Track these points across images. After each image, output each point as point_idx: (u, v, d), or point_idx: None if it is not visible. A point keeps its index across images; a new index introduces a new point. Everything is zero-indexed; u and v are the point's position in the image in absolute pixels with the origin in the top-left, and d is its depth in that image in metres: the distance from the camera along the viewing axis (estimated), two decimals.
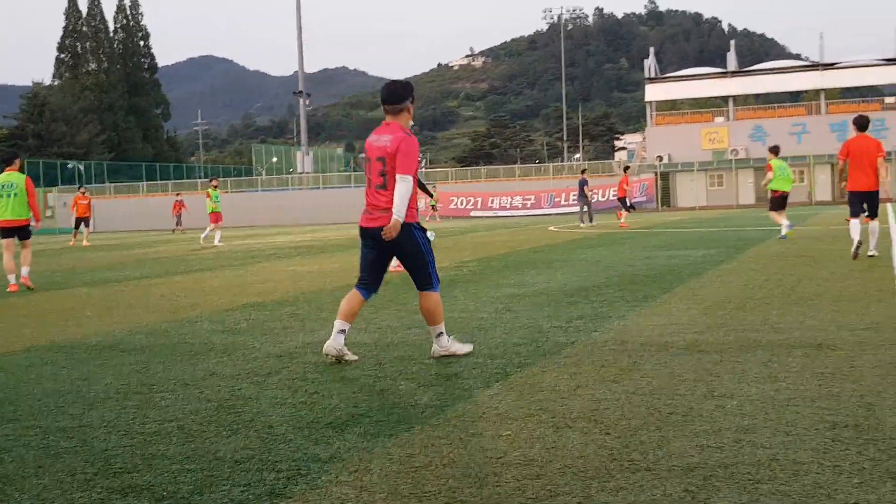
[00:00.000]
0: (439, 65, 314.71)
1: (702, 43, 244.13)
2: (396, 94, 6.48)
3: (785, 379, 5.23)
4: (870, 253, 13.27)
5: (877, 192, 13.59)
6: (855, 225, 13.48)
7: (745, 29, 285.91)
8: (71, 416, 5.01)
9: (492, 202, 63.65)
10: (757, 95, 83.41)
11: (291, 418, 4.75)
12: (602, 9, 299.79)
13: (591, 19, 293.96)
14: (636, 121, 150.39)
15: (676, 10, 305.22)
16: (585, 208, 34.94)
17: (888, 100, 73.73)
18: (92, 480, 3.76)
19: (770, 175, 20.86)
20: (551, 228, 31.48)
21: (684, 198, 66.96)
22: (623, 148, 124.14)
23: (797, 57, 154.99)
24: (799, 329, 7.02)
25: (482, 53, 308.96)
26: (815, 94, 71.35)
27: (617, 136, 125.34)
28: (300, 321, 8.79)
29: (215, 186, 29.95)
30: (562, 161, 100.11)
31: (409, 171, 6.27)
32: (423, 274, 6.48)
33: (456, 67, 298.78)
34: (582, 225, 33.50)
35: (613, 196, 63.82)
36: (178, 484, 3.67)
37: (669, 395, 4.94)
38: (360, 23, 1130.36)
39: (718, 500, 3.26)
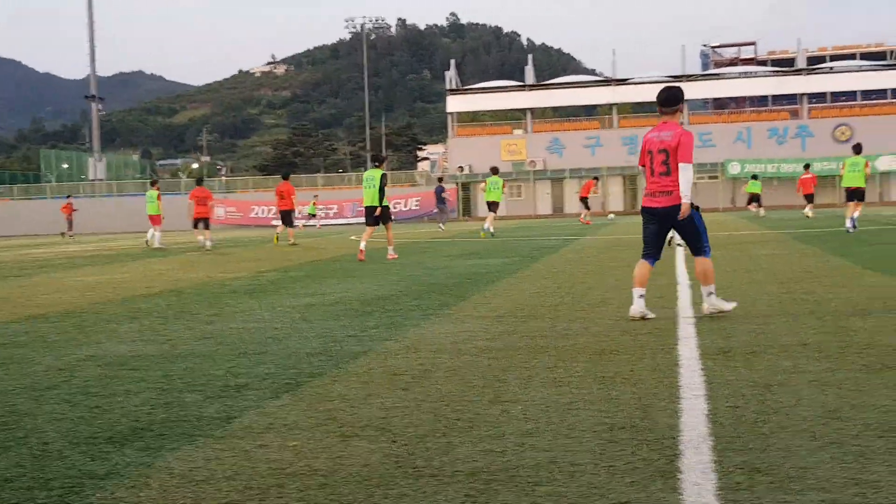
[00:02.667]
0: (240, 71, 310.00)
1: (502, 56, 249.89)
2: (674, 97, 8.17)
3: (569, 383, 5.39)
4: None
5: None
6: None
7: (543, 43, 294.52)
8: None
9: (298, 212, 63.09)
10: (554, 108, 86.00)
11: (68, 434, 4.55)
12: (405, 20, 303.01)
13: (394, 30, 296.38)
14: (439, 131, 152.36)
15: (477, 24, 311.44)
16: (441, 212, 38.66)
17: None
18: None
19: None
20: (353, 238, 31.48)
21: (485, 207, 68.13)
22: (426, 158, 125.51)
23: (592, 72, 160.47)
24: (585, 335, 7.26)
25: (284, 61, 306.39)
26: (609, 108, 74.22)
27: (420, 146, 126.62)
28: (85, 333, 8.45)
29: (155, 186, 31.06)
30: (365, 170, 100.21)
31: (690, 159, 7.90)
32: (698, 243, 8.06)
33: (258, 74, 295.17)
34: (441, 227, 36.35)
35: (416, 206, 64.52)
36: None
37: (458, 401, 5.01)
38: (158, 25, 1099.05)
39: (498, 503, 3.32)
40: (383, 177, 18.46)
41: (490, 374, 5.77)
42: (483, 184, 28.65)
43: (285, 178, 29.25)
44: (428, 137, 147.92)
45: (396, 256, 18.15)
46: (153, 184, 32.25)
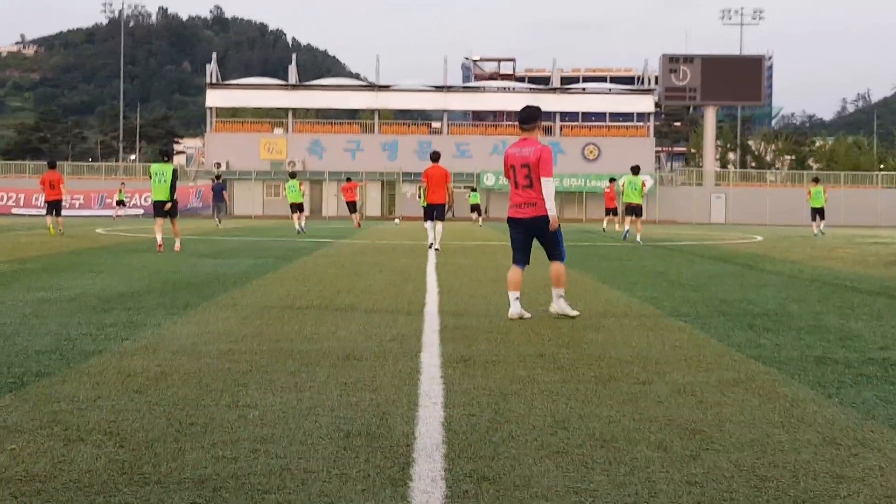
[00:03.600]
0: None
1: (266, 53, 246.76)
2: (532, 115, 8.77)
3: (310, 389, 5.35)
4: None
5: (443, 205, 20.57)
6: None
7: (308, 44, 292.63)
8: None
9: (36, 200, 59.88)
10: (317, 110, 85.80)
11: None
12: (166, 9, 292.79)
13: (154, 18, 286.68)
14: (197, 125, 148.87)
15: (242, 19, 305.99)
16: (219, 209, 40.08)
17: (434, 124, 78.97)
18: None
19: None
20: (99, 231, 30.23)
21: (241, 206, 67.30)
22: (182, 152, 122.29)
23: (356, 76, 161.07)
24: (330, 339, 7.24)
25: (35, 42, 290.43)
26: (371, 113, 74.79)
27: (176, 139, 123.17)
28: None
29: None
30: (116, 161, 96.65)
31: (551, 174, 8.57)
32: (556, 249, 8.87)
33: (4, 54, 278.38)
34: (219, 224, 37.24)
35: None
36: None
37: (193, 405, 4.88)
38: None
39: None
40: (174, 172, 19.20)
41: (230, 377, 5.65)
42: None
43: (52, 166, 28.27)
44: (185, 131, 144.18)
45: (180, 248, 18.92)
46: None
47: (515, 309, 8.65)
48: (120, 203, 52.52)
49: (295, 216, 32.10)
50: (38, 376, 5.56)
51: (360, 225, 39.59)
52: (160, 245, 18.66)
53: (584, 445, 4.18)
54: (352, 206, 40.48)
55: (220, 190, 40.77)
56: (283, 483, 3.58)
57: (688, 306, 9.89)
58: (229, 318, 8.48)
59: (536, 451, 4.08)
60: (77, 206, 60.27)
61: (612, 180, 40.00)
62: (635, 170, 26.31)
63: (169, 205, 18.97)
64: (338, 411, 4.80)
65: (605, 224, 38.85)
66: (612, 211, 38.24)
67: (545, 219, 8.64)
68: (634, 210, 26.43)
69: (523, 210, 8.72)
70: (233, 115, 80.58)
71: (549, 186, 8.57)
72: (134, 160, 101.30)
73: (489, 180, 68.34)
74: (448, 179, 20.59)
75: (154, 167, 19.48)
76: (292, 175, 34.07)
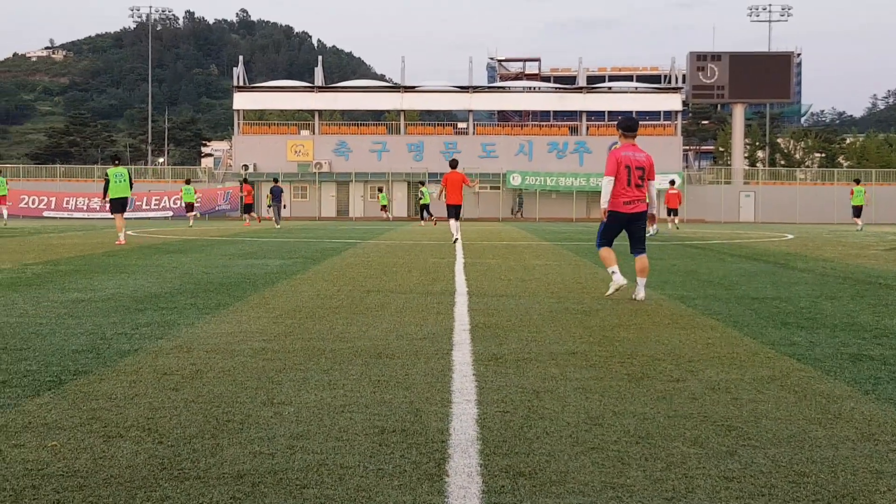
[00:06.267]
0: (15, 54, 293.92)
1: (292, 56, 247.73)
2: (636, 124, 10.59)
3: (343, 386, 5.38)
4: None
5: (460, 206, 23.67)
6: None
7: (333, 46, 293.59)
8: None
9: (67, 203, 60.54)
10: (343, 111, 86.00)
11: None
12: (193, 12, 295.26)
13: (181, 22, 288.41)
14: (224, 128, 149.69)
15: (268, 21, 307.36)
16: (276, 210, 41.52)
17: (460, 124, 79.02)
18: None
19: None
20: (128, 233, 30.45)
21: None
22: (210, 154, 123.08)
23: (382, 77, 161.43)
24: (362, 338, 7.27)
25: (64, 46, 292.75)
26: (396, 114, 74.87)
27: (204, 142, 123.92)
28: None
29: None
30: (145, 164, 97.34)
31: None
32: (643, 244, 10.43)
33: (34, 59, 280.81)
34: (278, 226, 38.71)
35: (196, 202, 63.11)
36: None
37: (229, 402, 4.91)
38: None
39: None
40: (129, 172, 23.72)
41: (264, 375, 5.69)
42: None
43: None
44: (213, 133, 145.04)
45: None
46: None
47: (621, 278, 10.16)
48: (190, 204, 50.47)
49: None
50: (76, 375, 5.62)
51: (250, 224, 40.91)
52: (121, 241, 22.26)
53: (619, 442, 4.18)
54: (247, 208, 43.24)
55: (278, 193, 42.21)
56: (320, 478, 3.60)
57: (719, 304, 9.85)
58: (261, 317, 8.52)
59: (571, 448, 4.08)
60: (107, 208, 60.82)
61: (672, 182, 40.17)
62: None
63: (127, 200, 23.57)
64: (372, 408, 4.82)
65: (669, 224, 38.71)
66: (673, 211, 38.36)
67: (646, 214, 10.24)
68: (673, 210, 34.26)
69: (633, 205, 10.12)
70: (259, 117, 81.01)
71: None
72: (162, 163, 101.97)
73: (515, 180, 68.30)
74: (464, 183, 23.58)
75: (115, 170, 23.01)
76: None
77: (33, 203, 61.94)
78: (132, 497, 3.36)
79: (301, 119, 76.90)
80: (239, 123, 73.03)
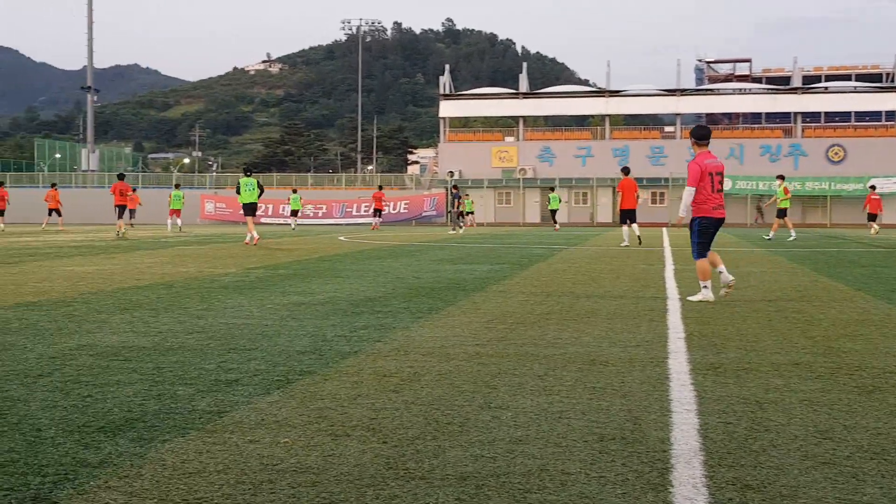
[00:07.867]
0: (235, 68, 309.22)
1: (496, 63, 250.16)
2: (710, 132, 10.76)
3: (559, 392, 5.38)
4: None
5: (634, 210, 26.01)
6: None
7: (537, 52, 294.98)
8: None
9: (283, 209, 62.95)
10: (546, 117, 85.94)
11: (62, 421, 4.53)
12: (400, 23, 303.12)
13: (389, 33, 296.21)
14: (430, 136, 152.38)
15: (473, 30, 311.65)
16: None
17: (667, 128, 77.64)
18: None
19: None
20: (341, 238, 31.45)
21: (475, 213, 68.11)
22: (416, 162, 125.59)
23: (585, 82, 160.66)
24: (574, 345, 7.25)
25: (279, 60, 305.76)
26: (601, 119, 74.31)
27: (410, 149, 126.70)
28: (76, 322, 8.41)
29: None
30: (355, 172, 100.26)
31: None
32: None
33: (252, 72, 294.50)
34: (451, 232, 38.96)
35: (405, 209, 64.47)
36: None
37: (448, 405, 5.00)
38: (155, 19, 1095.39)
39: None
40: (259, 183, 26.17)
41: (480, 379, 5.76)
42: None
43: (121, 178, 34.27)
44: (419, 141, 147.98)
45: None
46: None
47: (710, 293, 10.44)
48: (294, 213, 50.54)
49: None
50: (302, 374, 5.85)
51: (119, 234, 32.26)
52: (256, 240, 24.91)
53: (852, 457, 4.00)
54: (121, 210, 33.14)
55: (456, 196, 42.47)
56: (542, 483, 3.61)
57: None
58: (472, 322, 8.63)
59: (801, 462, 3.93)
60: (320, 215, 62.95)
61: (872, 187, 38.56)
62: (781, 177, 33.96)
63: (256, 206, 26.10)
64: (589, 415, 4.79)
65: (871, 231, 37.07)
66: (872, 217, 36.80)
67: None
68: (783, 213, 33.46)
69: (720, 210, 10.56)
70: (464, 124, 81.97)
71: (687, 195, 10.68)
72: (371, 170, 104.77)
73: (725, 184, 66.50)
74: (636, 189, 25.84)
75: (247, 180, 25.95)
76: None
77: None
78: (362, 494, 3.46)
79: (505, 126, 77.42)
80: (445, 131, 74.17)
